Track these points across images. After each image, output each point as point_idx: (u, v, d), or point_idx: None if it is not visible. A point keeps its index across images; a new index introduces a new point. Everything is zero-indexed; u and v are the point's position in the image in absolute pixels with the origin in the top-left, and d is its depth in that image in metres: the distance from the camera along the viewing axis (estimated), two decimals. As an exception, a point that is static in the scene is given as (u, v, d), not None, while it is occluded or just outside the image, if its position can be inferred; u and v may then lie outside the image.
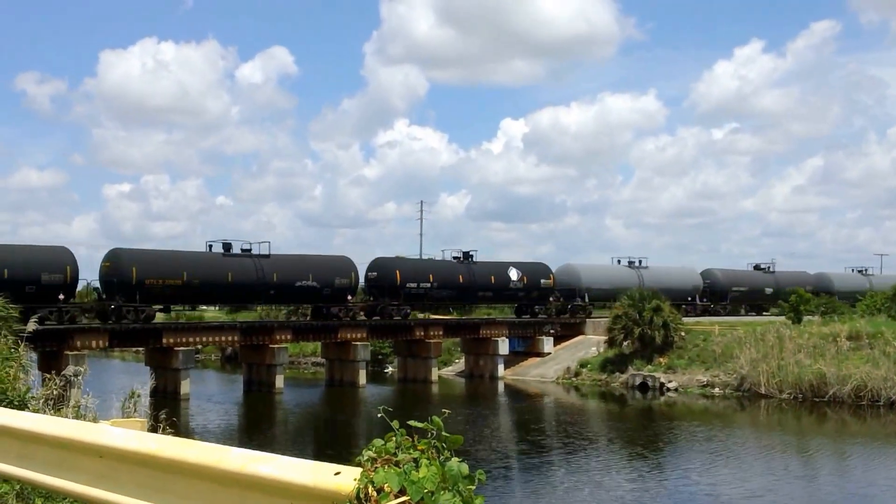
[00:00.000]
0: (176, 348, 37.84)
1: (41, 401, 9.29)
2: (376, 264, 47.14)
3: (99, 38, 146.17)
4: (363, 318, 45.06)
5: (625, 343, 44.67)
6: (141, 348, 42.15)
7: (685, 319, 48.12)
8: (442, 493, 2.94)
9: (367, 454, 3.09)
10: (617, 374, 44.00)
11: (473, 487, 3.04)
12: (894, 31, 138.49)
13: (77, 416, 9.06)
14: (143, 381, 12.41)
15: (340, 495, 3.10)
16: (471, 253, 50.50)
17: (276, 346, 41.18)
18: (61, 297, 35.12)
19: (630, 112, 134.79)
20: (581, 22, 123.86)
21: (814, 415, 35.12)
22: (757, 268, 67.08)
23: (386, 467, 3.00)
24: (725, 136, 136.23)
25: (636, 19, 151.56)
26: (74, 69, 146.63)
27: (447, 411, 3.30)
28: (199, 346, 45.91)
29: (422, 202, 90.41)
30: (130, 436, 4.40)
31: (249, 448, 3.78)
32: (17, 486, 6.32)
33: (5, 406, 7.44)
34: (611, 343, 45.59)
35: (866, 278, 72.06)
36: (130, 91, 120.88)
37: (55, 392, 9.72)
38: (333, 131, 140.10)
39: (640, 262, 58.77)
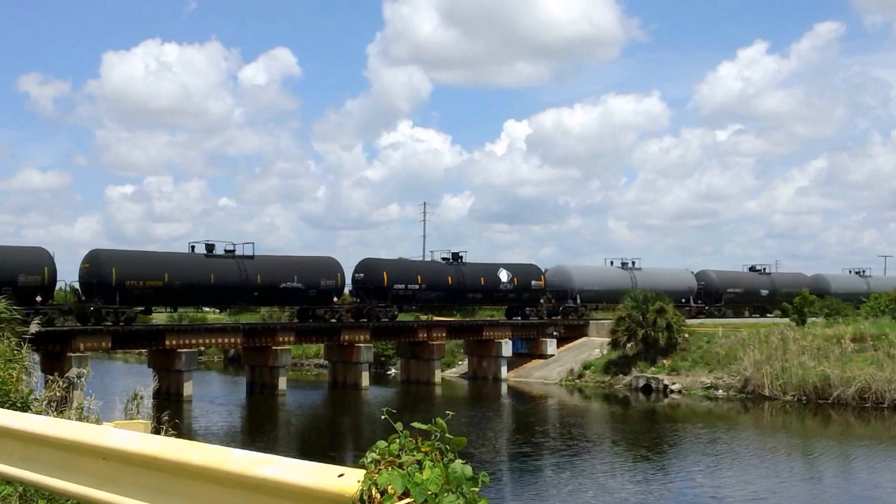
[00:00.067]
0: (178, 350, 37.81)
1: (44, 403, 9.29)
2: (363, 265, 46.27)
3: (102, 40, 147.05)
4: (351, 320, 44.32)
5: (628, 345, 44.65)
6: (143, 350, 42.12)
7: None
8: (445, 495, 2.93)
9: (371, 456, 3.09)
10: (620, 376, 43.97)
11: (477, 489, 3.03)
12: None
13: (80, 418, 9.05)
14: (145, 383, 12.38)
15: (344, 497, 3.10)
16: (460, 254, 49.98)
17: (278, 347, 41.17)
18: (39, 298, 33.83)
19: (633, 113, 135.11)
20: (584, 23, 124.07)
21: (818, 417, 35.07)
22: (752, 269, 66.67)
23: (389, 469, 3.00)
24: (729, 137, 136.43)
25: (640, 21, 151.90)
26: (77, 71, 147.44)
27: (451, 413, 3.30)
28: (202, 348, 45.89)
29: (425, 204, 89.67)
30: (133, 438, 4.40)
31: (253, 450, 3.77)
32: (21, 488, 6.31)
33: (8, 408, 7.44)
34: (614, 345, 45.60)
35: (864, 280, 71.59)
36: (133, 92, 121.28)
37: (58, 394, 9.72)
38: (337, 133, 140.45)
39: (633, 263, 58.48)
